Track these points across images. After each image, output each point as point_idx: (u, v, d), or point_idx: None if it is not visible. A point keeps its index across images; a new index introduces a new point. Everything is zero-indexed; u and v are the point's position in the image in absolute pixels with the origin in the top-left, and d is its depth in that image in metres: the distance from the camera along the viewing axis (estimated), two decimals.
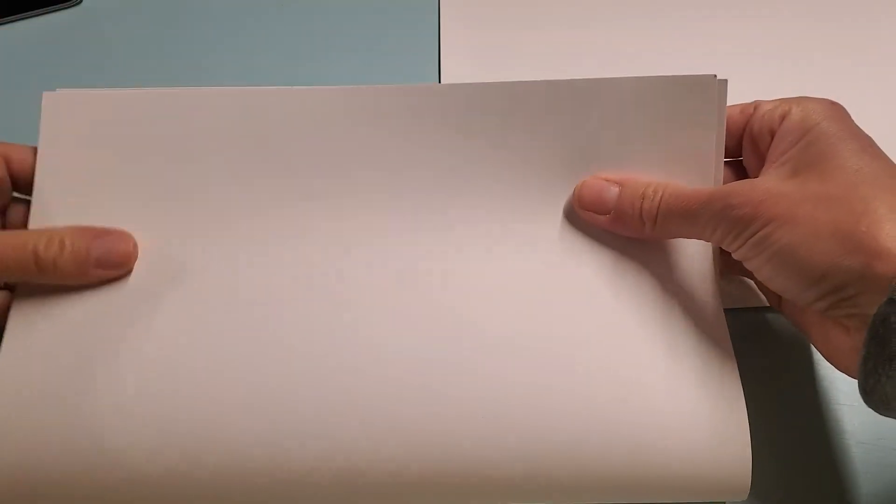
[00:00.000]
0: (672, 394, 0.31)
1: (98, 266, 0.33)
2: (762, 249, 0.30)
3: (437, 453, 0.31)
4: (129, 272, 0.34)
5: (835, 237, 0.28)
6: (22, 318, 0.33)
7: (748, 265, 0.31)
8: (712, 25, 0.49)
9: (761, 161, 0.33)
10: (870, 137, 0.31)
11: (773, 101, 0.33)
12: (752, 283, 0.37)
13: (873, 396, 0.28)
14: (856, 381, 0.28)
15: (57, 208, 0.34)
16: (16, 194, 0.36)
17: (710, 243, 0.34)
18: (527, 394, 0.32)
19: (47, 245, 0.32)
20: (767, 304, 0.36)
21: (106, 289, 0.34)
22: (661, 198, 0.33)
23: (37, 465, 0.31)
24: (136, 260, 0.34)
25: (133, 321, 0.33)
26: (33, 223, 0.34)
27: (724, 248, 0.31)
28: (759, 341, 0.37)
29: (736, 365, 0.32)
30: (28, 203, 0.36)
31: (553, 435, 0.31)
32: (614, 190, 0.34)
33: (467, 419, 0.31)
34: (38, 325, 0.33)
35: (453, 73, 0.47)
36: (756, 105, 0.34)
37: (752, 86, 0.36)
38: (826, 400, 0.36)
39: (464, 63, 0.48)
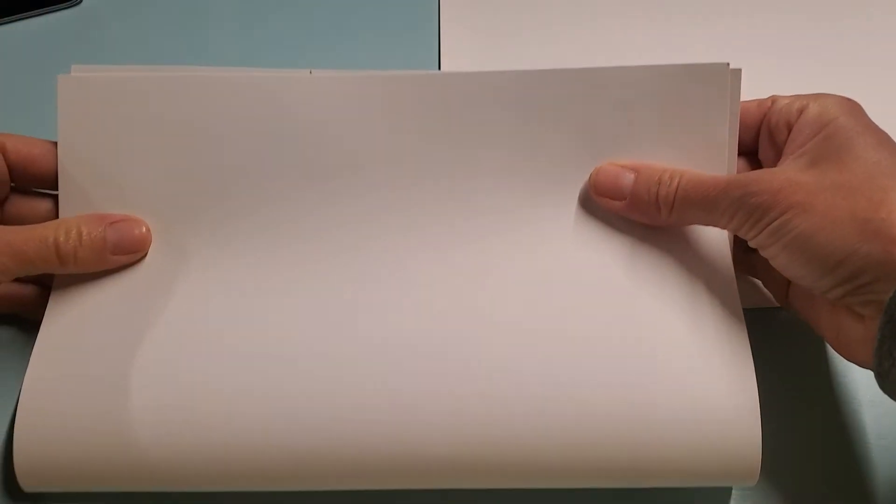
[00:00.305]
0: (684, 377, 0.32)
1: (114, 253, 0.34)
2: (780, 237, 0.30)
3: (456, 437, 0.31)
4: (143, 256, 0.35)
5: (853, 224, 0.28)
6: (58, 306, 0.34)
7: (764, 253, 0.31)
8: (721, 18, 0.48)
9: (778, 154, 0.34)
10: (886, 133, 0.31)
11: (790, 96, 0.34)
12: (758, 281, 0.37)
13: (888, 380, 0.28)
14: (871, 378, 0.29)
15: (82, 196, 0.35)
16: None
17: (725, 231, 0.34)
18: (540, 376, 0.32)
19: (66, 237, 0.33)
20: (774, 305, 0.36)
21: (127, 273, 0.35)
22: (678, 184, 0.33)
23: (70, 444, 0.31)
24: (150, 244, 0.35)
25: (148, 304, 0.34)
26: (63, 212, 0.35)
27: (740, 235, 0.32)
28: (775, 340, 0.37)
29: (749, 351, 0.32)
30: (27, 194, 0.36)
31: (563, 418, 0.31)
32: (630, 176, 0.34)
33: (477, 401, 0.32)
34: (72, 310, 0.34)
35: (453, 65, 0.47)
36: (773, 99, 0.34)
37: (764, 81, 0.36)
38: (843, 397, 0.36)
39: (463, 55, 0.47)
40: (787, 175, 0.31)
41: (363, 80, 0.35)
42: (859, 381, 0.36)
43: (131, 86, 0.35)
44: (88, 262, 0.33)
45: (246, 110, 0.35)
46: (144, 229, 0.35)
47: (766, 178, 0.31)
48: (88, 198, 0.35)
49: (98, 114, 0.35)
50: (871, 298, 0.29)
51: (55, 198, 0.36)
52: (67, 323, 0.33)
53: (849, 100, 0.32)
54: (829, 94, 0.33)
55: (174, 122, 0.35)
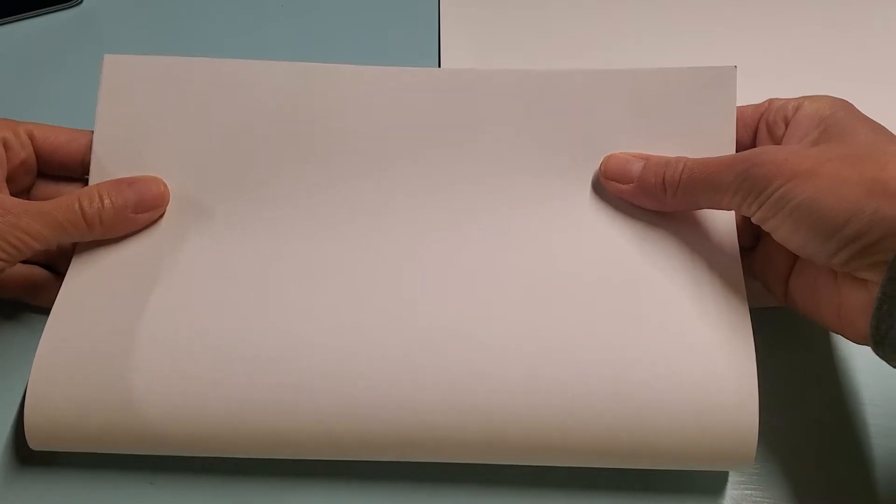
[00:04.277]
0: (685, 358, 0.32)
1: (136, 211, 0.36)
2: (782, 206, 0.30)
3: (462, 413, 0.32)
4: (162, 214, 0.37)
5: (860, 185, 0.28)
6: (74, 278, 0.35)
7: (766, 226, 0.31)
8: (720, 19, 0.49)
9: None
10: (881, 124, 0.32)
11: (785, 98, 0.35)
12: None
13: (885, 343, 0.28)
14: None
15: (113, 167, 0.37)
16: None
17: (732, 218, 0.35)
18: (541, 355, 0.33)
19: (90, 202, 0.34)
20: (774, 304, 0.36)
21: (141, 245, 0.36)
22: (685, 166, 0.34)
23: (77, 407, 0.33)
24: (168, 201, 0.37)
25: (160, 277, 0.35)
26: (93, 180, 0.36)
27: (742, 212, 0.32)
28: (778, 337, 0.37)
29: (751, 336, 0.33)
30: (53, 180, 0.38)
31: (563, 397, 0.32)
32: (639, 163, 0.35)
33: (479, 377, 0.32)
34: (87, 281, 0.35)
35: (452, 62, 0.47)
36: (769, 101, 0.36)
37: (762, 89, 0.37)
38: (845, 393, 0.36)
39: (463, 54, 0.47)
40: (791, 148, 0.31)
41: (386, 74, 0.37)
42: (861, 379, 0.37)
43: (173, 66, 0.37)
44: (113, 224, 0.35)
45: (275, 95, 0.37)
46: (163, 186, 0.36)
47: (770, 150, 0.31)
48: (118, 169, 0.37)
49: (137, 91, 0.37)
50: (878, 259, 0.28)
51: (79, 183, 0.37)
52: (81, 292, 0.35)
53: (841, 99, 0.33)
54: (822, 95, 0.34)
55: (206, 102, 0.37)
